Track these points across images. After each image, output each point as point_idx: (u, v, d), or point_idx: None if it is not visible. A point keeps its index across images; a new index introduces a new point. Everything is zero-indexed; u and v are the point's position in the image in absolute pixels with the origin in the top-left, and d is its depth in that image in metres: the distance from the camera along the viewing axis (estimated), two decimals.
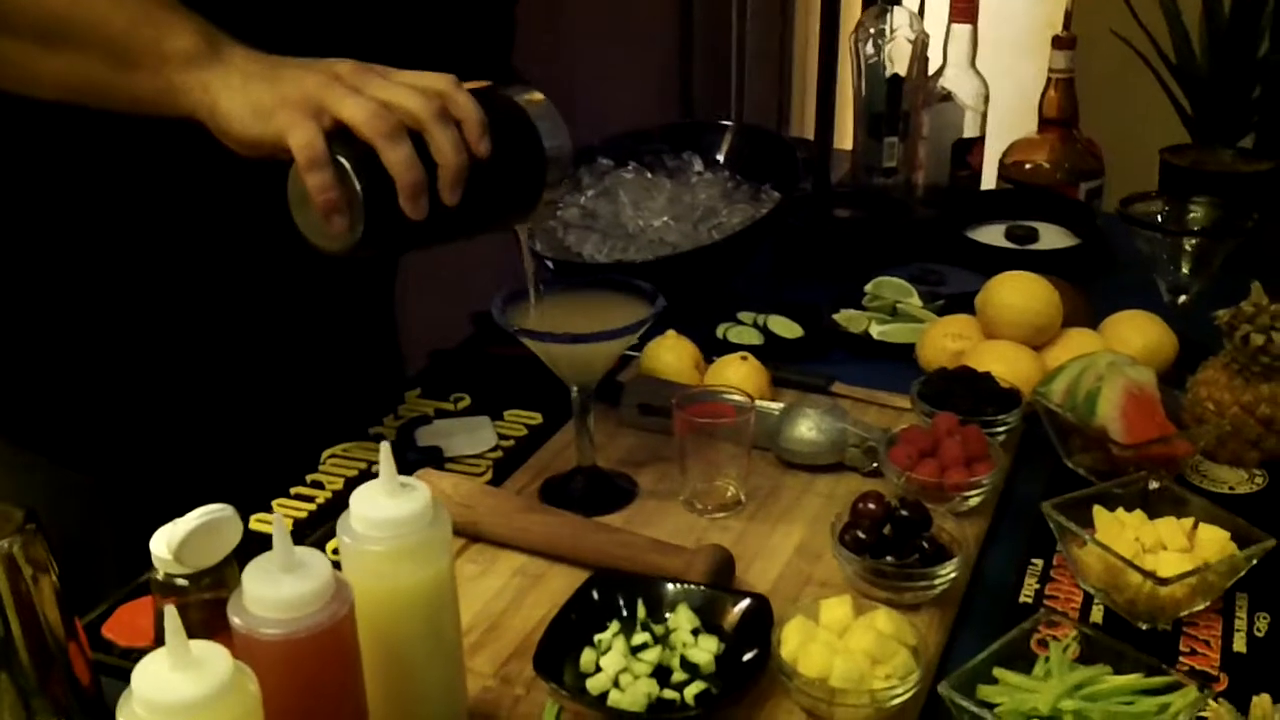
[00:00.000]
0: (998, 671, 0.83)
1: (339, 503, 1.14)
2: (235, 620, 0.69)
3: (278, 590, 0.68)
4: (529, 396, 1.32)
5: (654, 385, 1.25)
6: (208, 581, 0.71)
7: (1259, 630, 0.96)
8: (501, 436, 1.25)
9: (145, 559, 0.99)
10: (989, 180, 1.90)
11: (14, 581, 0.77)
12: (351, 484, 1.18)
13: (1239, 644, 0.94)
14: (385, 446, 0.75)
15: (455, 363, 1.43)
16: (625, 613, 0.92)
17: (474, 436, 1.24)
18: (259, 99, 0.88)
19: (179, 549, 0.69)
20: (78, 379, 1.18)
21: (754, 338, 1.44)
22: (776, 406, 1.18)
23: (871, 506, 0.99)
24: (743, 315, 1.47)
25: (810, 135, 2.48)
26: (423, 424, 1.26)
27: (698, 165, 1.65)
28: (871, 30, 1.75)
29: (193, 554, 0.69)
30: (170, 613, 0.60)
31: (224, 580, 0.72)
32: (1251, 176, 1.66)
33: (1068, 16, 2.06)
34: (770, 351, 1.36)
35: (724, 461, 1.10)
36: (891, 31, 1.75)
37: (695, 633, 0.89)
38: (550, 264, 1.50)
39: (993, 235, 1.73)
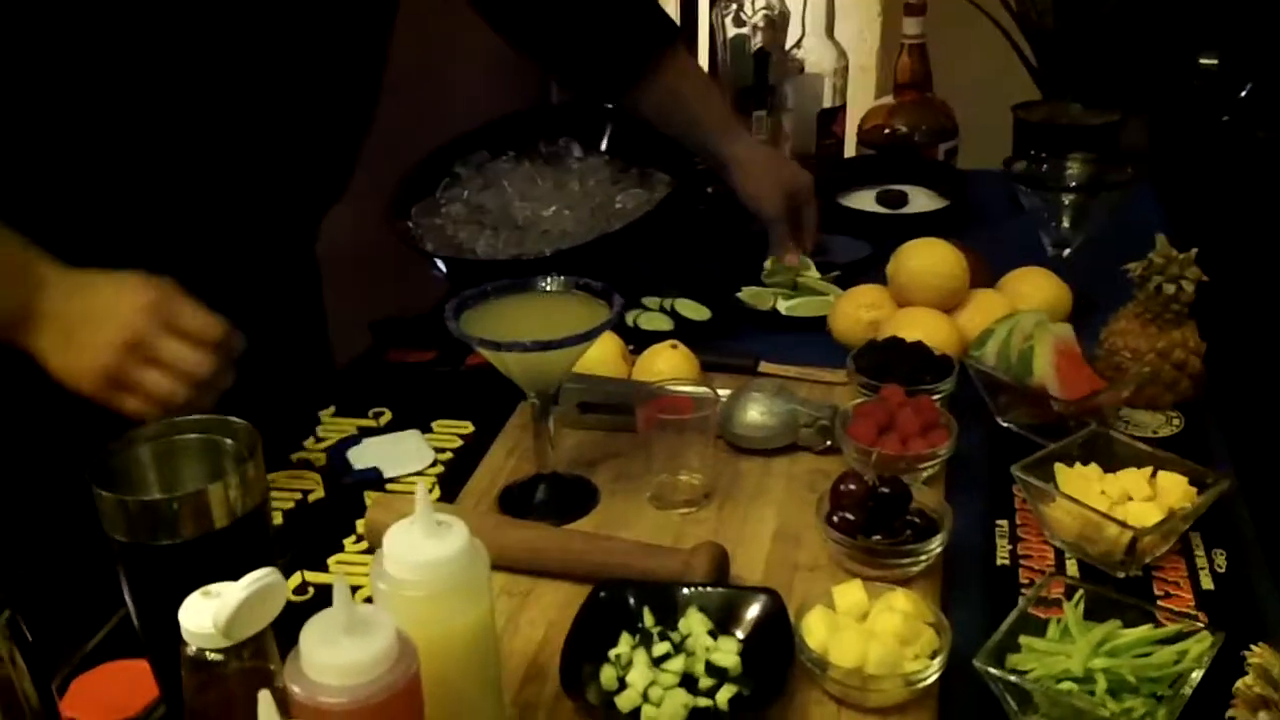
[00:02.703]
0: (1024, 639, 0.85)
1: (282, 538, 1.08)
2: (295, 689, 0.64)
3: (343, 654, 0.64)
4: (450, 404, 1.28)
5: (587, 381, 1.23)
6: (249, 652, 0.66)
7: (1219, 567, 1.01)
8: (435, 449, 1.20)
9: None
10: (849, 148, 1.93)
11: None
12: (291, 517, 1.12)
13: (1206, 582, 0.99)
14: (421, 487, 0.71)
15: (361, 375, 1.37)
16: (639, 622, 0.90)
17: (410, 453, 1.19)
18: (75, 371, 0.98)
19: (228, 624, 0.63)
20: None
21: (664, 323, 1.43)
22: (724, 393, 1.17)
23: (852, 487, 1.00)
24: (648, 301, 1.46)
25: None
26: (351, 445, 1.21)
27: (577, 151, 1.62)
28: (734, 5, 1.75)
29: (241, 626, 0.64)
30: (265, 698, 0.55)
31: (263, 649, 0.67)
32: (1102, 128, 1.74)
33: None
34: (681, 335, 1.35)
35: (688, 455, 1.09)
36: (753, 6, 1.75)
37: (712, 635, 0.88)
38: (442, 266, 1.44)
39: (864, 201, 1.77)
